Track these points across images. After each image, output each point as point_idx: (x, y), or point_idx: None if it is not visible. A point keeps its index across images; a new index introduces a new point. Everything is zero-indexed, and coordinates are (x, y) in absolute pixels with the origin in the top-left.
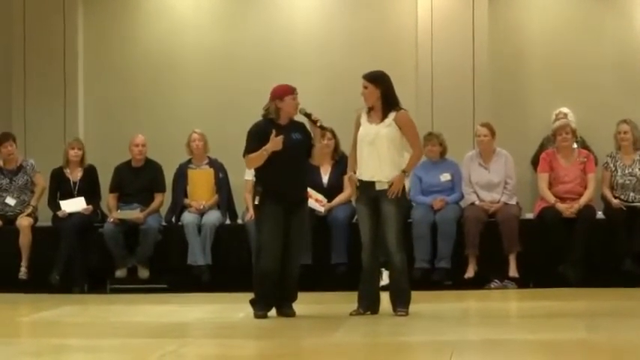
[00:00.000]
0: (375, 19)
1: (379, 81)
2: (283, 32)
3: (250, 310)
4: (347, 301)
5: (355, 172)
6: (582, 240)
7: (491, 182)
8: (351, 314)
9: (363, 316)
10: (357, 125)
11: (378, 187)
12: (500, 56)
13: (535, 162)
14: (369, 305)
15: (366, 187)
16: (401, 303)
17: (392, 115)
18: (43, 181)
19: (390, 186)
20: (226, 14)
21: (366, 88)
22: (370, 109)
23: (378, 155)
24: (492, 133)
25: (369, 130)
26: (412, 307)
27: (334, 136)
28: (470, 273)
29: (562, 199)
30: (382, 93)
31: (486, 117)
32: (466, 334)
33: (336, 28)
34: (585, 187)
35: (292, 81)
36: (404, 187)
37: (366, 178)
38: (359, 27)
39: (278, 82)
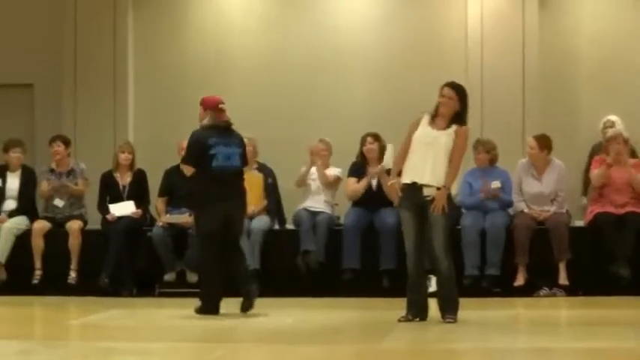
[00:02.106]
0: (424, 24)
1: (462, 95)
2: (330, 37)
3: (297, 315)
4: (396, 308)
5: (399, 175)
6: (630, 236)
7: (542, 194)
8: (399, 320)
9: (411, 323)
10: (414, 127)
11: (426, 192)
12: (550, 62)
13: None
14: (417, 312)
15: (411, 193)
16: (449, 310)
17: (454, 127)
18: (84, 187)
19: (433, 199)
20: (274, 19)
21: (451, 98)
22: (434, 117)
23: (433, 159)
24: (542, 145)
25: (428, 132)
26: (461, 314)
27: (378, 139)
28: (519, 281)
29: (613, 204)
30: (460, 108)
31: (536, 124)
32: (515, 342)
33: (385, 34)
34: (637, 192)
35: (338, 86)
36: (449, 194)
37: (412, 179)
38: (408, 32)
39: (325, 87)
